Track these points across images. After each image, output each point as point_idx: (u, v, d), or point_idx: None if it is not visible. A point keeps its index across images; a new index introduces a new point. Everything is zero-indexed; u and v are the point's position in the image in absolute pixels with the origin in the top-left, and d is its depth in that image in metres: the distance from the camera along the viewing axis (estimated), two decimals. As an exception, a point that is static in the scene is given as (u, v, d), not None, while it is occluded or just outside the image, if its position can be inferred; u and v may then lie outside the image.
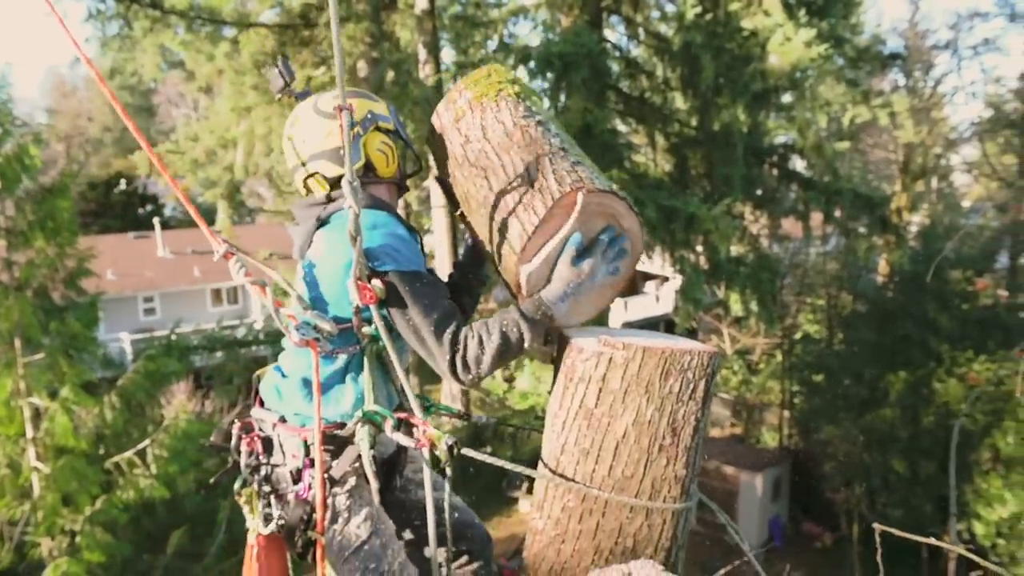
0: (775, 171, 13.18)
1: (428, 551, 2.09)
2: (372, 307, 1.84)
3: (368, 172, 2.11)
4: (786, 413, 19.78)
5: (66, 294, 7.53)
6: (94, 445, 7.35)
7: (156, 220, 27.15)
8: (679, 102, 12.55)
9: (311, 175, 2.15)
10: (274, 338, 11.35)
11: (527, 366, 16.40)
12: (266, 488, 2.09)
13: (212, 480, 2.37)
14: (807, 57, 10.75)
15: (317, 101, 2.17)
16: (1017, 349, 12.40)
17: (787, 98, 12.70)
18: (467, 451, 1.90)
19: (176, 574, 8.45)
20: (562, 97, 10.57)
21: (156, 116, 38.84)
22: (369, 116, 2.12)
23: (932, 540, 2.57)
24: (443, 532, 2.04)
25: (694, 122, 12.17)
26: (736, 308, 12.91)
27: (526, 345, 1.79)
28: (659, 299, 26.37)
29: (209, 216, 27.16)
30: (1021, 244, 19.45)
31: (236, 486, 2.17)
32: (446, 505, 1.96)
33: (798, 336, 20.10)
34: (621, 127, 12.82)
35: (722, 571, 3.13)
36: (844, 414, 15.63)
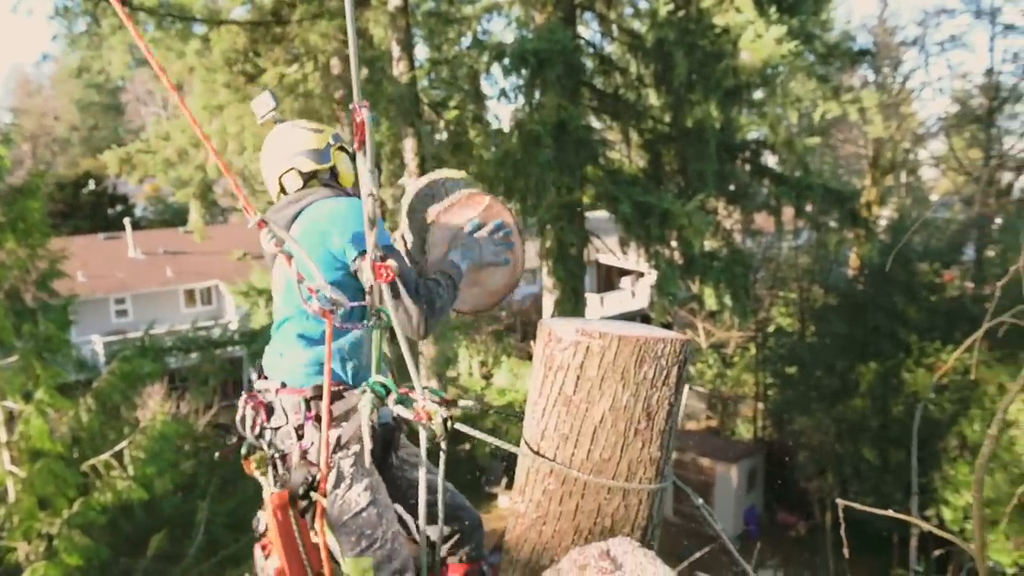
0: (747, 167, 13.37)
1: (420, 527, 2.23)
2: (385, 285, 1.98)
3: (333, 178, 2.42)
4: (760, 405, 20.08)
5: (38, 296, 7.45)
6: (70, 448, 7.28)
7: (126, 221, 26.76)
8: (652, 99, 12.68)
9: (288, 171, 2.37)
10: (249, 339, 11.30)
11: (504, 363, 16.48)
12: (272, 451, 2.24)
13: (218, 455, 2.48)
14: (778, 53, 10.91)
15: (298, 121, 2.47)
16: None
17: (759, 94, 12.88)
18: (460, 426, 2.02)
19: (155, 577, 8.40)
20: (536, 94, 10.64)
21: (124, 115, 38.24)
22: (335, 137, 2.45)
23: (890, 512, 2.67)
24: (435, 512, 2.19)
25: (667, 118, 12.31)
26: (710, 302, 13.08)
27: (456, 295, 2.20)
28: (635, 294, 26.59)
29: (180, 216, 26.94)
30: (987, 237, 19.88)
31: (243, 452, 2.33)
32: (439, 486, 2.07)
33: (771, 329, 20.41)
34: (595, 124, 12.92)
35: (695, 555, 3.21)
36: (816, 405, 15.93)
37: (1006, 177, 22.35)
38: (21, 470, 6.98)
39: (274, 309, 2.44)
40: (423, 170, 11.98)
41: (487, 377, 17.27)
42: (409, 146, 11.38)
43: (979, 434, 13.36)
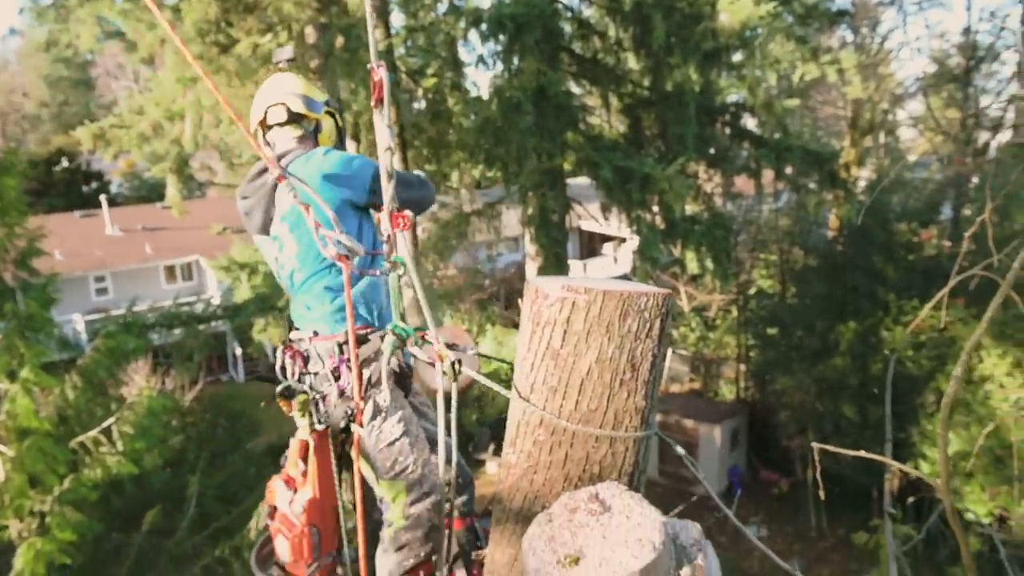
0: (727, 130, 13.42)
1: (433, 459, 2.45)
2: (401, 234, 2.12)
3: (314, 133, 2.60)
4: (742, 366, 20.38)
5: (18, 275, 7.38)
6: (57, 425, 7.28)
7: (103, 198, 26.35)
8: (632, 63, 12.64)
9: (277, 104, 2.56)
10: (232, 313, 11.30)
11: (489, 331, 16.58)
12: (313, 394, 2.46)
13: (263, 404, 2.73)
14: (756, 15, 10.91)
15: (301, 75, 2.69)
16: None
17: (737, 57, 12.88)
18: (466, 371, 2.13)
19: (149, 551, 8.49)
20: (515, 60, 10.58)
21: (95, 89, 37.40)
22: (331, 102, 2.64)
23: (863, 453, 2.78)
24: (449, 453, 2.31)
25: (647, 82, 12.29)
26: (692, 266, 13.20)
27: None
28: (617, 260, 26.72)
29: (156, 191, 26.57)
30: (964, 196, 20.12)
31: (279, 390, 2.49)
32: (452, 426, 2.16)
33: (752, 292, 20.64)
34: (575, 89, 12.87)
35: (678, 508, 3.32)
36: (797, 365, 16.20)
37: (983, 136, 22.55)
38: (9, 449, 6.98)
39: (282, 273, 2.61)
40: (403, 140, 11.92)
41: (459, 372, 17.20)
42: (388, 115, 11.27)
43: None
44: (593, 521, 1.65)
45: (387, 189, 2.07)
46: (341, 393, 2.44)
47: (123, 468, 7.43)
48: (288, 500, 2.67)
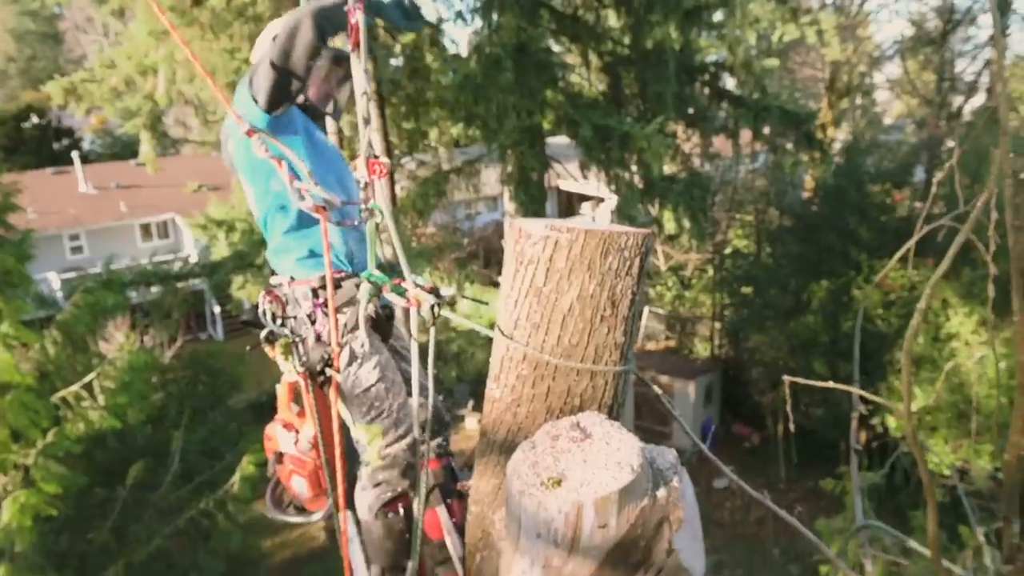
0: (706, 89, 13.43)
1: (410, 402, 2.50)
2: (376, 179, 2.14)
3: None
4: (717, 324, 20.73)
5: (-7, 230, 7.30)
6: (39, 381, 7.29)
7: (75, 155, 25.81)
8: (612, 20, 12.57)
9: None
10: (210, 271, 11.27)
11: (468, 289, 16.66)
12: (293, 337, 2.53)
13: (249, 348, 2.75)
14: (737, -27, 10.88)
15: None
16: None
17: (718, 16, 12.85)
18: (447, 313, 2.21)
19: (133, 505, 8.59)
20: (494, 15, 10.48)
21: (64, 44, 36.28)
22: None
23: (831, 384, 2.91)
24: (424, 397, 2.43)
25: (627, 40, 12.24)
26: (669, 226, 13.32)
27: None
28: (595, 219, 26.80)
29: (130, 149, 26.07)
30: (937, 159, 20.40)
31: (262, 336, 2.57)
32: (430, 363, 2.23)
33: (728, 251, 20.89)
34: (555, 47, 12.79)
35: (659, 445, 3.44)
36: (771, 323, 16.54)
37: (958, 100, 22.76)
38: (-8, 402, 6.98)
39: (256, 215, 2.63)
40: (380, 96, 11.81)
41: (451, 303, 17.40)
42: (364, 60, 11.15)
43: (922, 347, 14.06)
44: (574, 447, 1.73)
45: (364, 133, 2.07)
46: (318, 337, 2.49)
47: (106, 423, 7.47)
48: (293, 441, 2.76)
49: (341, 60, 2.56)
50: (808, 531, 2.52)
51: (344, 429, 2.57)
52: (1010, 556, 2.93)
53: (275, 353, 2.59)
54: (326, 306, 2.44)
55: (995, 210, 2.92)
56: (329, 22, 2.15)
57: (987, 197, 2.92)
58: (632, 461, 1.63)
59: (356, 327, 2.44)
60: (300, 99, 2.53)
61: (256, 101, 2.29)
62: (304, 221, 2.52)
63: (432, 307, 2.14)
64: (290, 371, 2.61)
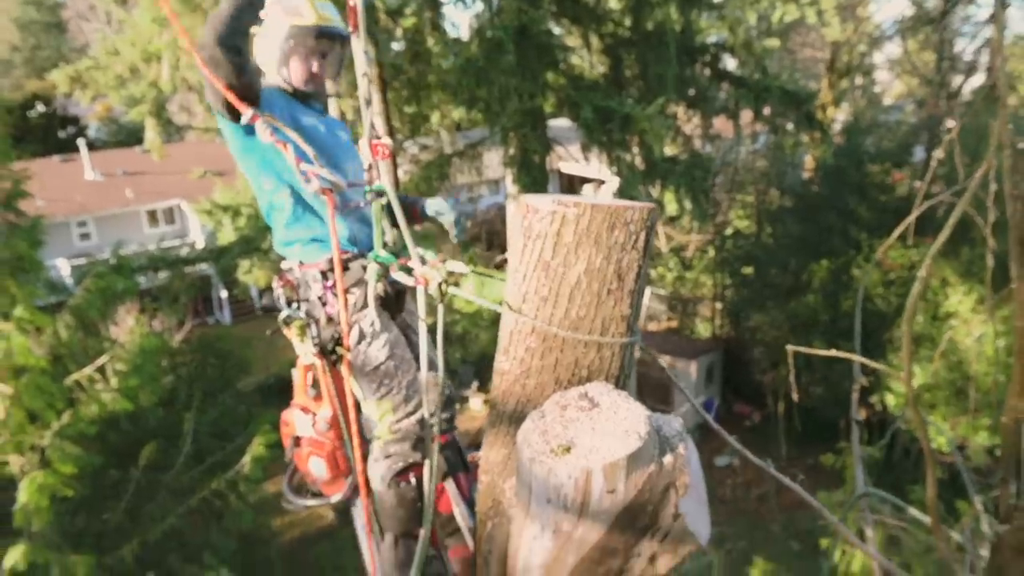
0: (707, 70, 13.45)
1: (419, 378, 2.56)
2: (378, 160, 2.20)
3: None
4: (718, 305, 20.83)
5: (5, 216, 7.41)
6: (52, 364, 7.42)
7: (81, 142, 25.82)
8: (613, 2, 12.57)
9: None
10: (217, 255, 11.38)
11: (470, 275, 16.75)
12: (308, 319, 2.58)
13: (269, 332, 2.81)
14: (737, -47, 10.87)
15: None
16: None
17: (718, -4, 12.85)
18: (455, 290, 2.24)
19: (147, 486, 8.75)
20: (495, -1, 10.51)
21: (67, 32, 36.15)
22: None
23: (832, 352, 3.01)
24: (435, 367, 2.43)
25: (627, 22, 12.25)
26: (671, 207, 13.38)
27: None
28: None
29: (135, 136, 26.07)
30: (936, 138, 20.39)
31: (280, 319, 2.63)
32: (439, 340, 2.27)
33: (729, 232, 20.95)
34: (556, 29, 12.80)
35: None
36: (771, 303, 16.63)
37: (957, 79, 22.69)
38: (7, 386, 7.12)
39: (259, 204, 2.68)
40: (382, 80, 11.85)
41: (456, 283, 17.42)
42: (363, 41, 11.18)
43: (922, 325, 14.18)
44: (583, 416, 1.76)
45: (365, 115, 2.09)
46: (329, 318, 2.54)
47: (119, 405, 7.61)
48: (310, 424, 2.81)
49: (320, 36, 2.51)
50: (810, 497, 2.60)
51: (359, 408, 2.67)
52: (1007, 515, 3.03)
53: (292, 334, 2.64)
54: (335, 287, 2.49)
55: (994, 182, 2.99)
56: (228, 26, 2.12)
57: (985, 169, 3.00)
58: (639, 429, 1.66)
59: (365, 306, 2.50)
60: (285, 85, 2.55)
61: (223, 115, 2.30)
62: (300, 212, 2.55)
63: (440, 285, 2.18)
64: (306, 353, 2.67)
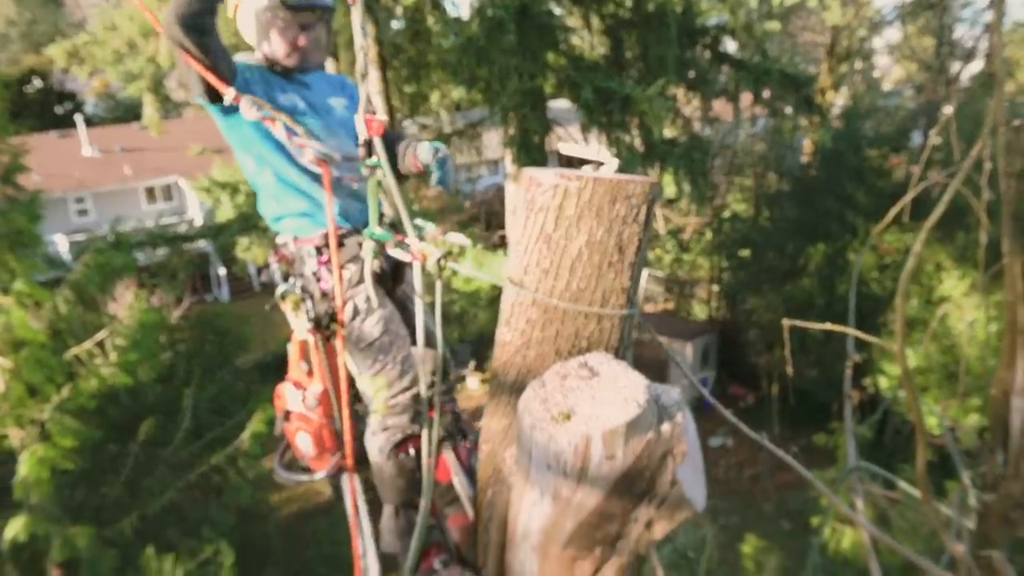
0: (707, 53, 13.41)
1: (415, 353, 2.58)
2: (376, 139, 2.18)
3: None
4: (714, 287, 20.91)
5: (3, 190, 7.41)
6: (52, 338, 7.45)
7: (78, 118, 25.65)
8: (614, -18, 12.50)
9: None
10: (215, 232, 11.37)
11: (469, 252, 16.79)
12: (303, 294, 2.58)
13: (268, 307, 2.79)
14: (739, -66, 10.81)
15: None
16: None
17: (719, -23, 12.79)
18: (454, 265, 2.25)
19: (146, 461, 8.82)
20: (497, -23, 10.44)
21: (64, 7, 35.74)
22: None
23: (829, 325, 3.06)
24: (433, 342, 2.45)
25: (628, 3, 12.19)
26: (669, 190, 13.39)
27: None
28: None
29: (132, 112, 25.92)
30: (934, 123, 20.37)
31: (277, 295, 2.64)
32: (437, 316, 2.28)
33: (727, 215, 20.99)
34: (556, 10, 12.74)
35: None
36: (767, 286, 16.71)
37: (956, 65, 22.65)
38: (7, 360, 7.16)
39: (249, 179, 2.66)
40: (382, 59, 11.81)
41: (460, 253, 17.39)
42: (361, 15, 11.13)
43: (916, 310, 14.28)
44: (583, 384, 1.81)
45: (362, 89, 2.08)
46: (323, 294, 2.54)
47: (118, 379, 7.65)
48: (300, 399, 2.80)
49: (297, 8, 2.43)
50: (803, 469, 2.65)
51: (353, 386, 2.66)
52: (993, 484, 3.11)
53: (288, 308, 2.64)
54: (330, 263, 2.48)
55: (989, 161, 3.01)
56: (188, 4, 2.11)
57: (981, 147, 3.03)
58: (638, 397, 1.70)
59: (360, 282, 2.50)
60: (267, 60, 2.51)
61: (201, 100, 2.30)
62: (283, 190, 2.54)
63: (439, 260, 2.18)
64: (300, 328, 2.67)
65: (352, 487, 2.76)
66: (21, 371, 6.99)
